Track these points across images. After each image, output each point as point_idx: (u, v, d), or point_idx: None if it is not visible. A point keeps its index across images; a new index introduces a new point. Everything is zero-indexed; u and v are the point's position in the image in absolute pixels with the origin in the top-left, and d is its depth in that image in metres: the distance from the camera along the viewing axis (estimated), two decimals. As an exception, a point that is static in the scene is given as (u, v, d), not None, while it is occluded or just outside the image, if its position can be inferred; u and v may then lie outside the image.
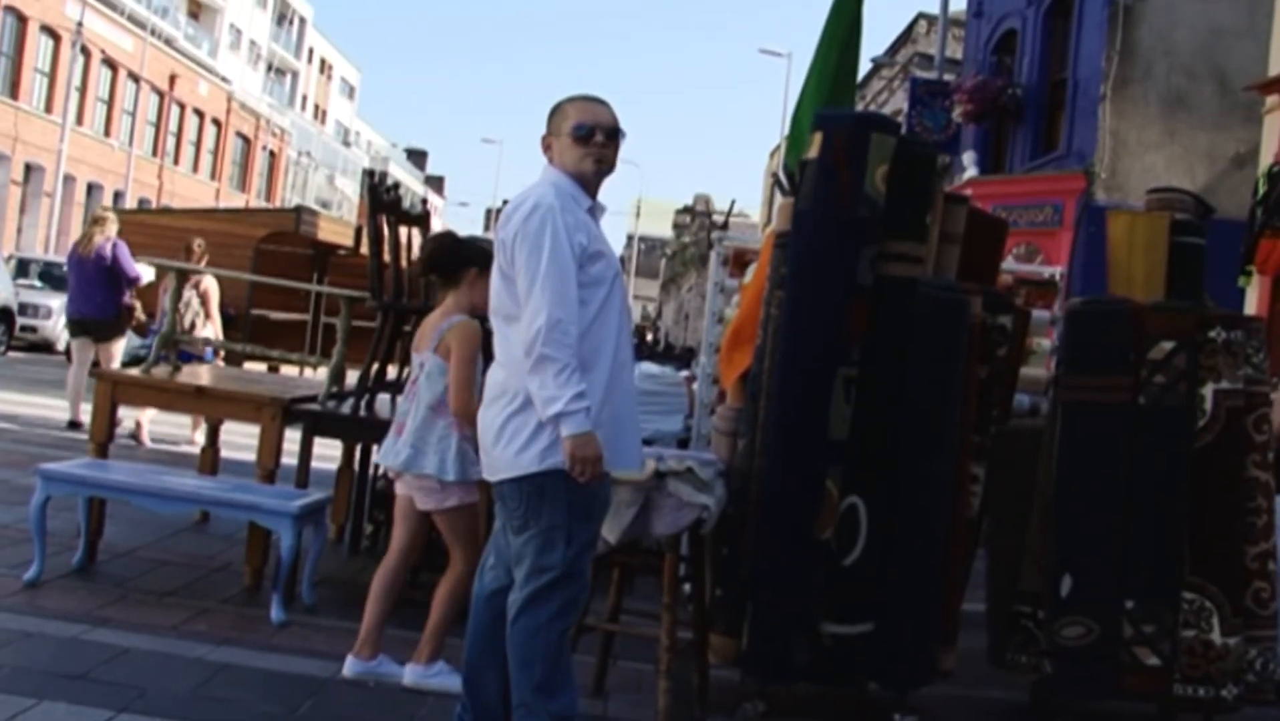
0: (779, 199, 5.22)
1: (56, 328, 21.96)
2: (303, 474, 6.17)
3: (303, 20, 67.69)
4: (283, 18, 64.38)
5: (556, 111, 3.94)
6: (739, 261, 6.82)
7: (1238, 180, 14.69)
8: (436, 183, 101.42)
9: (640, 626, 5.12)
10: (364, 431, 6.34)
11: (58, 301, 22.36)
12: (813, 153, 4.67)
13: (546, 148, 3.94)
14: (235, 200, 52.12)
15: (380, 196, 6.27)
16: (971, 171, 19.07)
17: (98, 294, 11.75)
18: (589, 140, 3.84)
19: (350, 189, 73.92)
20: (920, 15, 27.19)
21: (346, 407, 6.25)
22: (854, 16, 6.78)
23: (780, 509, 4.63)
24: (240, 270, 17.93)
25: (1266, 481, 5.00)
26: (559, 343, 3.62)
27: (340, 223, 23.36)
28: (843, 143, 4.61)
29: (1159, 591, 4.84)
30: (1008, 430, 5.48)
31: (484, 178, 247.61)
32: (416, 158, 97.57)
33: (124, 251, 11.60)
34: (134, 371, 6.66)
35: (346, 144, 75.76)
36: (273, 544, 6.03)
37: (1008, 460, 5.38)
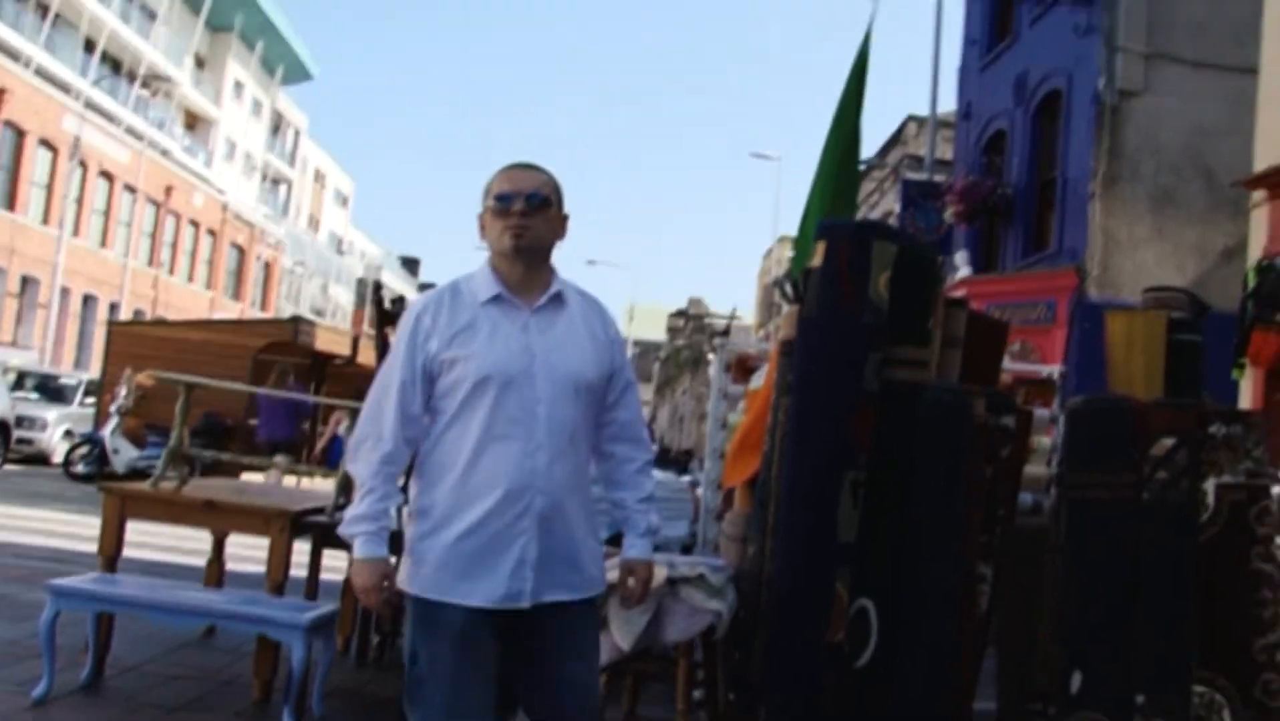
0: (784, 307, 5.31)
1: (52, 440, 22.05)
2: (312, 586, 6.21)
3: (297, 131, 68.60)
4: (278, 128, 65.22)
5: (486, 188, 3.53)
6: (741, 367, 6.91)
7: (1227, 274, 14.85)
8: (429, 289, 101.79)
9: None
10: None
11: (54, 413, 22.50)
12: (817, 261, 4.77)
13: (481, 229, 3.54)
14: (230, 309, 52.44)
15: (385, 309, 6.38)
16: (964, 271, 19.26)
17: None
18: (507, 211, 3.42)
19: (344, 297, 74.34)
20: (910, 118, 27.64)
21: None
22: (853, 129, 6.95)
23: (791, 612, 4.66)
24: (237, 381, 18.12)
25: (1271, 573, 5.03)
26: (357, 459, 3.41)
27: (337, 332, 23.64)
28: (846, 251, 4.71)
29: (1169, 685, 4.86)
30: (1013, 529, 5.52)
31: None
32: (410, 265, 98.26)
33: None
34: (143, 486, 6.69)
35: (340, 252, 76.39)
36: (281, 656, 6.06)
37: (1014, 558, 5.41)
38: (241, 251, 56.03)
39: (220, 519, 6.49)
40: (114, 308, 42.69)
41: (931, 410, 4.76)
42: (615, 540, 3.90)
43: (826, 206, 6.64)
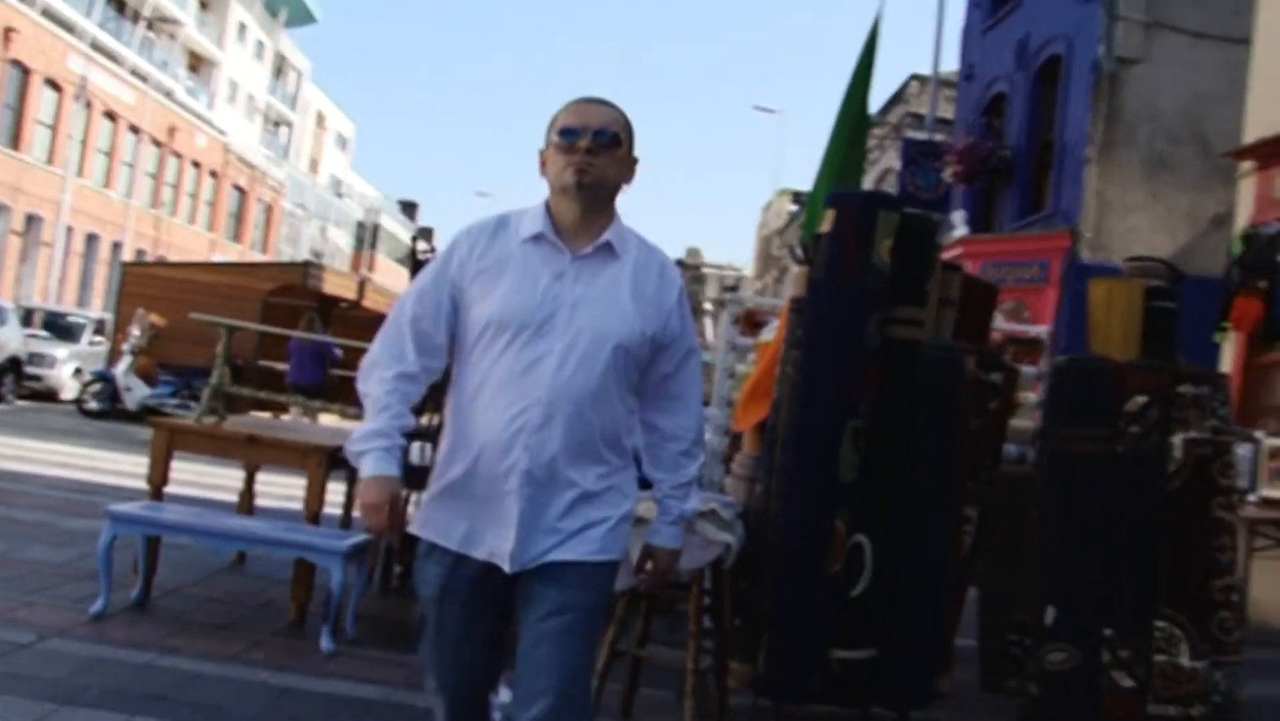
0: (794, 268, 5.75)
1: (62, 377, 22.42)
2: (347, 516, 6.65)
3: (299, 74, 68.53)
4: (280, 71, 65.18)
5: (551, 121, 3.26)
6: (749, 321, 7.36)
7: (1217, 240, 15.22)
8: (426, 233, 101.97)
9: (666, 654, 5.61)
10: (407, 478, 6.83)
11: (64, 351, 22.86)
12: (826, 227, 5.20)
13: (542, 165, 3.27)
14: (231, 251, 52.73)
15: (419, 258, 6.80)
16: (961, 230, 19.65)
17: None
18: (572, 147, 3.15)
19: (343, 240, 74.59)
20: (913, 76, 27.95)
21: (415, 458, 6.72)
22: (862, 104, 7.39)
23: (794, 546, 5.13)
24: (248, 321, 18.54)
25: (1231, 521, 5.51)
26: (369, 377, 3.22)
27: (344, 275, 24.06)
28: (852, 219, 5.15)
29: (1134, 620, 5.33)
30: (999, 476, 6.00)
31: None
32: (408, 209, 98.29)
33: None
34: (188, 421, 7.13)
35: (339, 195, 76.44)
36: (316, 581, 6.53)
37: (999, 504, 5.89)
38: (243, 193, 56.16)
39: (261, 452, 6.93)
40: (116, 247, 42.94)
41: (928, 365, 5.22)
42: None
43: (836, 176, 7.07)
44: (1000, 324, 10.30)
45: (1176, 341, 5.75)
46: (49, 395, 21.87)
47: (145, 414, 18.77)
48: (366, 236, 78.30)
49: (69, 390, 22.33)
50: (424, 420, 8.13)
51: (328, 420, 13.11)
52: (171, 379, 19.30)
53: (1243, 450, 11.11)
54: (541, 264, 3.15)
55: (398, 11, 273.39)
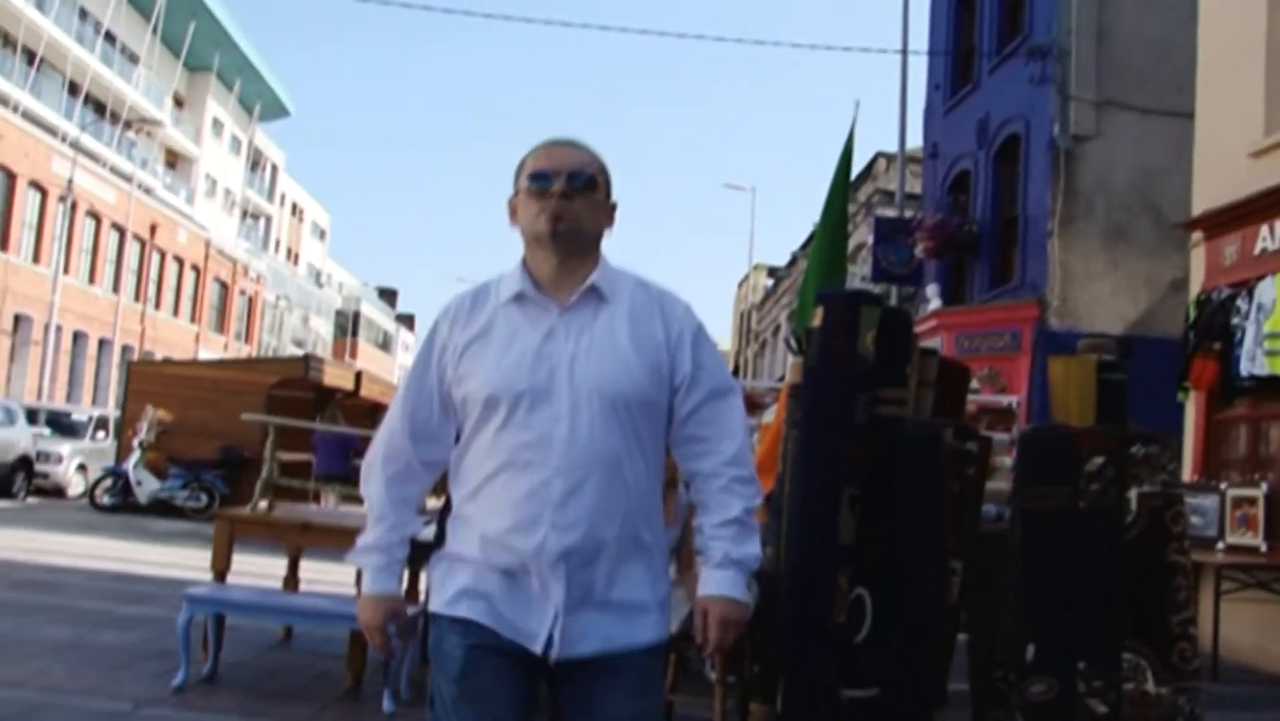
0: (790, 359, 6.55)
1: (68, 473, 23.06)
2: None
3: (274, 166, 69.63)
4: (256, 164, 66.25)
5: (519, 166, 3.02)
6: (748, 403, 8.19)
7: (1176, 303, 16.08)
8: (407, 320, 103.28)
9: (689, 700, 6.34)
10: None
11: (68, 447, 23.51)
12: (816, 323, 6.01)
13: (512, 214, 3.02)
14: (215, 343, 53.54)
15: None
16: (935, 303, 20.54)
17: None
18: (544, 192, 2.90)
19: (324, 328, 75.45)
20: (879, 154, 28.97)
21: (427, 534, 7.46)
22: (841, 211, 8.28)
23: (803, 601, 5.89)
24: (253, 413, 19.22)
25: (1183, 564, 6.28)
26: (368, 480, 3.04)
27: (341, 367, 24.84)
28: (839, 314, 5.96)
29: (1104, 654, 6.09)
30: (979, 533, 6.78)
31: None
32: (387, 296, 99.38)
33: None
34: (245, 512, 7.86)
35: (319, 284, 77.36)
36: (370, 651, 7.23)
37: (980, 557, 6.66)
38: (225, 286, 57.02)
39: (315, 536, 7.65)
40: (103, 344, 43.69)
41: (911, 439, 6.02)
42: None
43: (823, 275, 7.94)
44: (976, 396, 11.14)
45: (1126, 407, 6.53)
46: (56, 491, 22.51)
47: (157, 507, 19.49)
48: (348, 324, 79.20)
49: (75, 486, 22.99)
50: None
51: (344, 506, 13.83)
52: (181, 471, 19.98)
53: (1208, 500, 11.99)
54: (528, 325, 2.89)
55: (368, 102, 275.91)
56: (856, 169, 31.93)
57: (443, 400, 2.97)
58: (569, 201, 2.90)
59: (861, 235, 27.96)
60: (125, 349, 44.78)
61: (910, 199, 24.59)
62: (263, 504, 7.89)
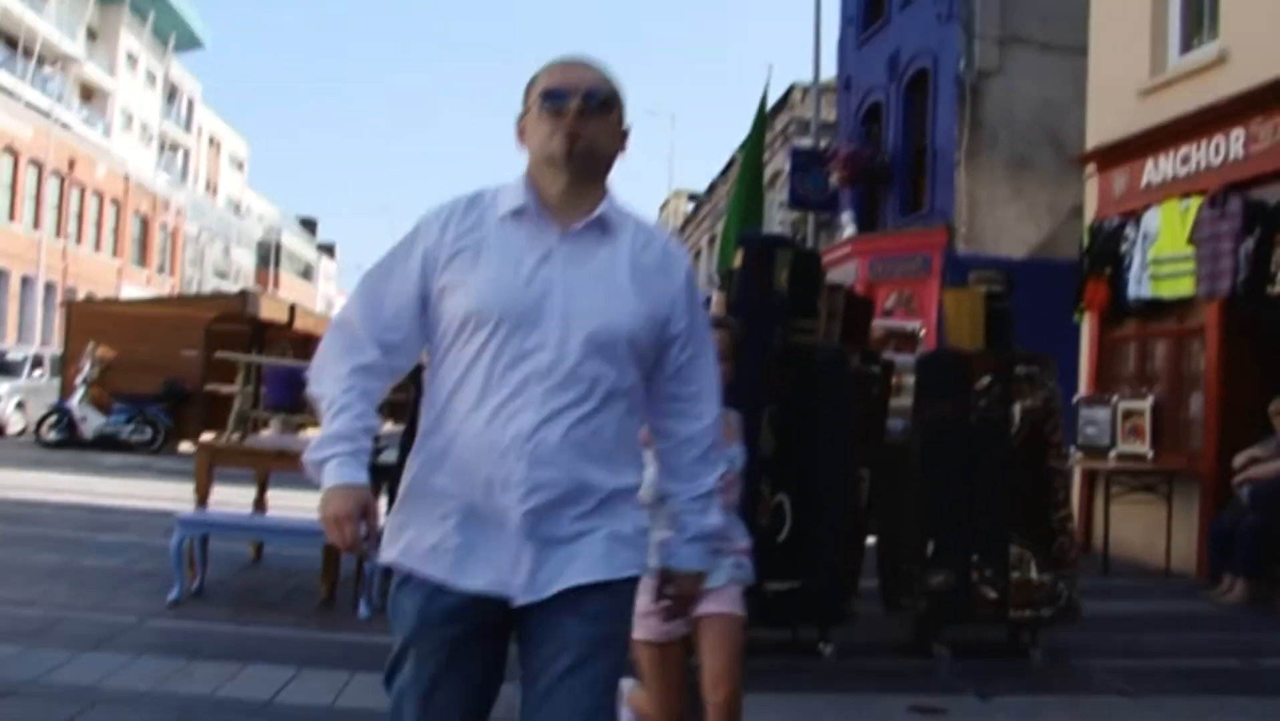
0: (716, 295, 7.38)
1: (6, 411, 23.42)
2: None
3: (191, 99, 68.92)
4: (172, 97, 65.58)
5: (530, 84, 2.84)
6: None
7: (1076, 228, 17.07)
8: (328, 249, 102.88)
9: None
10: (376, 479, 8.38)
11: (5, 386, 23.84)
12: (738, 263, 6.85)
13: (520, 134, 2.86)
14: (137, 277, 53.33)
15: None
16: (850, 230, 21.46)
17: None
18: (560, 111, 2.73)
19: (246, 260, 75.17)
20: (795, 85, 29.70)
21: (388, 458, 8.21)
22: (758, 160, 9.12)
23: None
24: (193, 348, 19.90)
25: (1060, 468, 7.25)
26: (321, 378, 2.76)
27: (276, 301, 25.30)
28: (757, 256, 6.80)
29: (993, 547, 7.03)
30: (885, 444, 7.69)
31: (375, 243, 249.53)
32: (308, 226, 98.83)
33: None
34: (223, 442, 8.57)
35: (238, 215, 76.92)
36: (342, 566, 8.01)
37: (886, 466, 7.57)
38: (145, 220, 56.64)
39: (288, 462, 8.34)
40: (26, 281, 43.56)
41: (821, 364, 6.88)
42: None
43: (742, 219, 8.80)
44: (886, 321, 12.06)
45: (1012, 333, 7.44)
46: (-3, 429, 22.89)
47: (102, 442, 20.03)
48: (269, 255, 78.96)
49: (14, 424, 23.37)
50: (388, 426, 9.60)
51: (312, 433, 14.51)
52: (125, 407, 20.49)
53: (1101, 413, 13.04)
54: (525, 244, 2.72)
55: (284, 27, 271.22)
56: (773, 97, 32.68)
57: (418, 302, 2.74)
58: (586, 121, 2.72)
59: (780, 163, 28.72)
60: (49, 286, 44.66)
61: (826, 128, 25.39)
62: (236, 435, 8.60)
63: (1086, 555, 12.00)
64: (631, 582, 2.78)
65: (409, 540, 2.71)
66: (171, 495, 13.42)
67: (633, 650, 3.70)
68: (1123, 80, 13.58)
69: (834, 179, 21.47)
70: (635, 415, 2.82)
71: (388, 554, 2.73)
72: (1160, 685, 6.77)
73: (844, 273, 20.18)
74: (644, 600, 3.09)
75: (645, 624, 3.74)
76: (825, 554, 6.83)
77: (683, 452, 2.91)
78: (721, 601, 4.07)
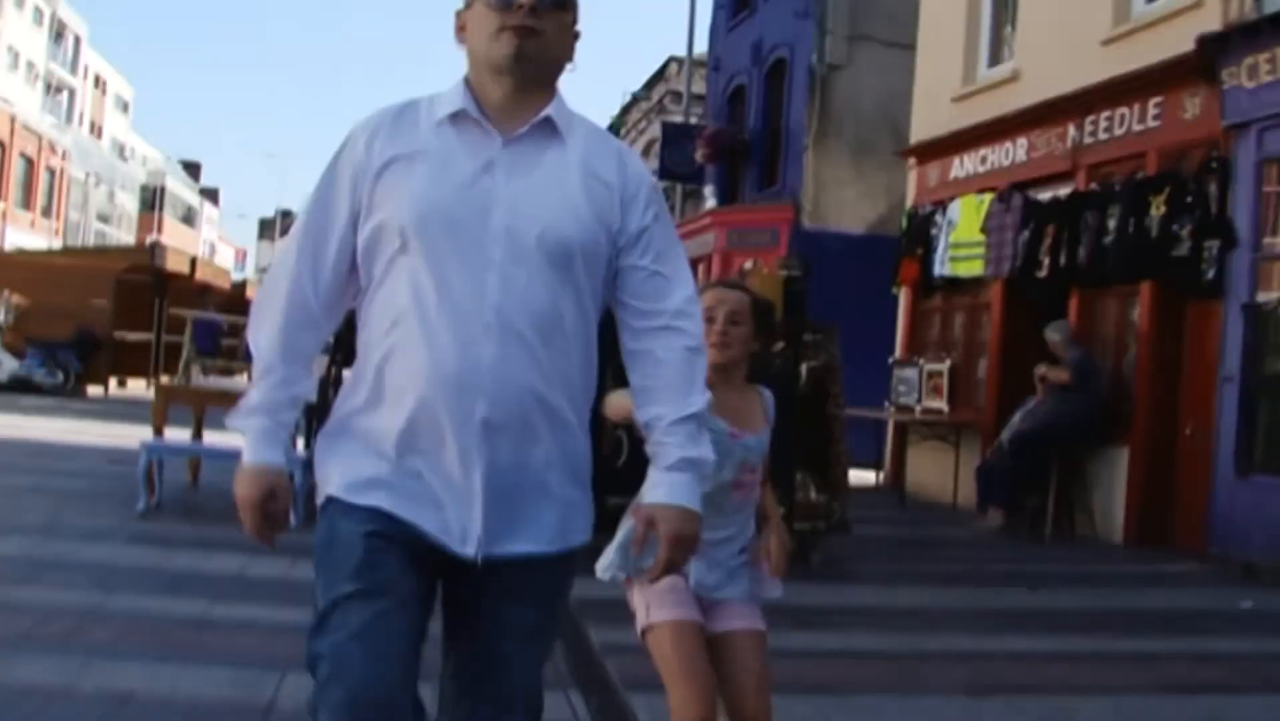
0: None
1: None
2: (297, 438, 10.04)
3: (78, 38, 68.77)
4: (59, 35, 65.47)
5: None
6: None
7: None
8: (211, 194, 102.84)
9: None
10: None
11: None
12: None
13: (459, 30, 2.57)
14: (22, 220, 53.63)
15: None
16: (711, 202, 23.64)
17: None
18: (509, 5, 2.43)
19: (129, 203, 75.34)
20: (671, 59, 31.77)
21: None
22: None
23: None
24: (103, 297, 21.53)
25: (836, 414, 9.44)
26: (259, 326, 2.60)
27: (180, 253, 26.85)
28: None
29: (782, 476, 9.19)
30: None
31: (262, 190, 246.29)
32: (191, 169, 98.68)
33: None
34: (177, 383, 10.45)
35: (123, 159, 76.91)
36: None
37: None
38: (30, 162, 56.76)
39: (230, 400, 10.22)
40: (-89, 223, 44.04)
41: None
42: None
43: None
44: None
45: (805, 307, 9.57)
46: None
47: (17, 385, 21.53)
48: (155, 199, 79.12)
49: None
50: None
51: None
52: (37, 352, 21.98)
53: (911, 373, 15.42)
54: (464, 151, 2.48)
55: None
56: (651, 69, 34.66)
57: (351, 228, 2.52)
58: (538, 19, 2.44)
59: (654, 131, 30.73)
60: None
61: (697, 99, 27.48)
62: (187, 377, 10.50)
63: (895, 492, 14.42)
64: (577, 553, 2.62)
65: (351, 474, 2.49)
66: (98, 432, 15.25)
67: (644, 642, 3.41)
68: (940, 86, 15.86)
69: (699, 155, 23.56)
70: (592, 336, 2.58)
71: (326, 487, 2.54)
72: (900, 580, 9.02)
73: (703, 242, 22.37)
74: (664, 584, 3.08)
75: (656, 603, 3.39)
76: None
77: (661, 372, 2.57)
78: (743, 617, 3.55)
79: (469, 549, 2.46)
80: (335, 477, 2.53)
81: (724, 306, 3.57)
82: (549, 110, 2.51)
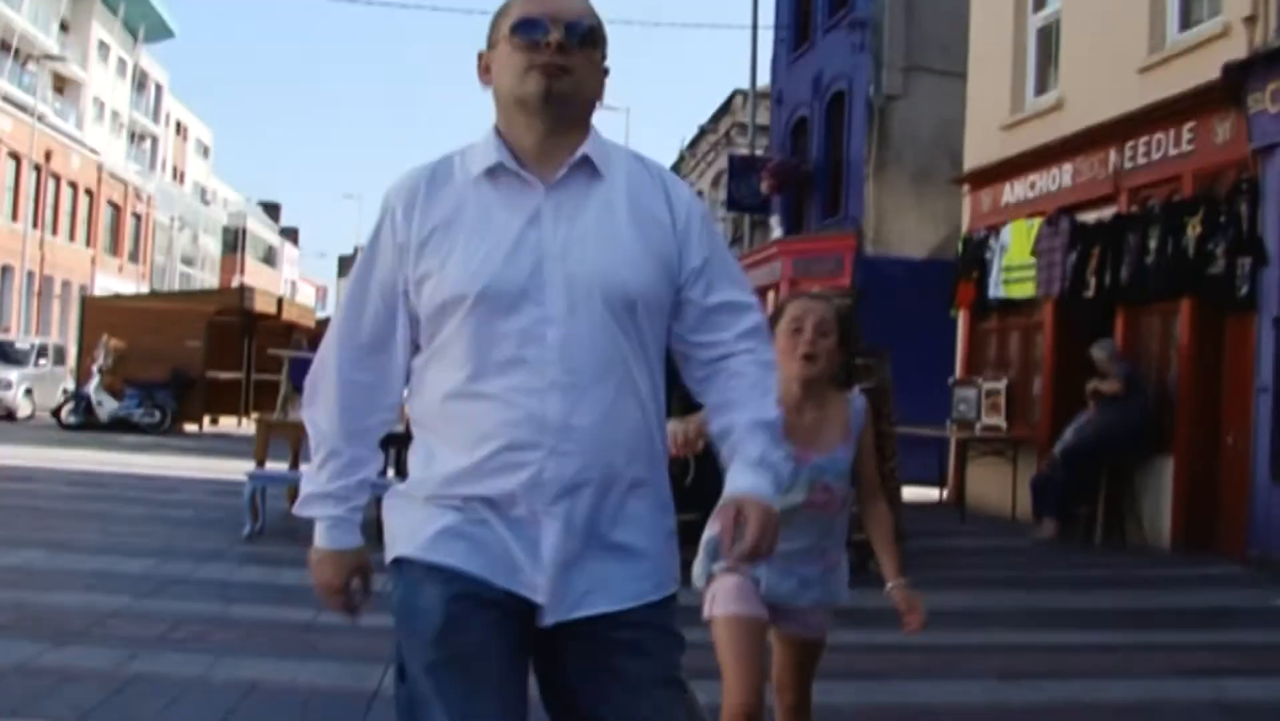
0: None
1: (16, 397, 25.78)
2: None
3: (159, 87, 70.70)
4: (142, 86, 67.39)
5: (498, 15, 2.45)
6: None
7: (968, 232, 19.92)
8: (291, 234, 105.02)
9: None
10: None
11: (15, 374, 26.20)
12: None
13: (484, 71, 2.47)
14: (110, 265, 55.30)
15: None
16: (777, 232, 24.30)
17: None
18: (536, 44, 2.33)
19: (212, 246, 77.22)
20: (736, 91, 32.51)
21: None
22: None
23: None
24: (196, 339, 22.59)
25: (889, 431, 10.05)
26: (315, 402, 2.53)
27: (267, 294, 27.97)
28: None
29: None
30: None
31: (341, 228, 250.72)
32: (270, 210, 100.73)
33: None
34: (275, 418, 11.28)
35: (205, 202, 78.80)
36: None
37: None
38: (117, 209, 58.41)
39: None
40: (7, 270, 45.55)
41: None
42: None
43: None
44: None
45: (860, 334, 10.19)
46: (7, 415, 25.20)
47: (117, 425, 22.61)
48: (237, 241, 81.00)
49: (23, 409, 25.76)
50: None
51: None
52: (135, 392, 23.08)
53: (970, 392, 15.96)
54: (505, 206, 2.37)
55: (253, 14, 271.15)
56: (718, 102, 35.43)
57: (397, 306, 2.44)
58: (566, 57, 2.34)
59: (722, 163, 31.45)
60: (29, 275, 46.65)
61: (761, 130, 28.16)
62: (285, 412, 11.33)
63: (957, 508, 14.98)
64: (672, 600, 2.49)
65: (423, 531, 2.38)
66: (198, 466, 16.17)
67: (711, 628, 3.59)
68: (990, 114, 16.44)
69: (764, 186, 24.24)
70: (659, 386, 2.50)
71: (398, 548, 2.43)
72: (952, 585, 9.61)
73: (770, 270, 23.03)
74: (731, 581, 3.48)
75: (721, 598, 3.63)
76: (716, 491, 9.61)
77: (735, 384, 2.51)
78: (808, 627, 3.76)
79: (544, 613, 2.35)
80: (405, 537, 2.43)
81: (811, 316, 3.64)
82: (585, 149, 2.40)
